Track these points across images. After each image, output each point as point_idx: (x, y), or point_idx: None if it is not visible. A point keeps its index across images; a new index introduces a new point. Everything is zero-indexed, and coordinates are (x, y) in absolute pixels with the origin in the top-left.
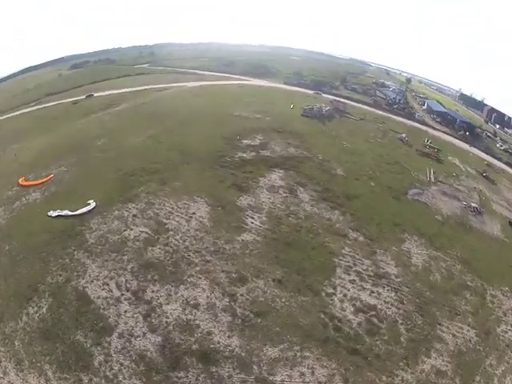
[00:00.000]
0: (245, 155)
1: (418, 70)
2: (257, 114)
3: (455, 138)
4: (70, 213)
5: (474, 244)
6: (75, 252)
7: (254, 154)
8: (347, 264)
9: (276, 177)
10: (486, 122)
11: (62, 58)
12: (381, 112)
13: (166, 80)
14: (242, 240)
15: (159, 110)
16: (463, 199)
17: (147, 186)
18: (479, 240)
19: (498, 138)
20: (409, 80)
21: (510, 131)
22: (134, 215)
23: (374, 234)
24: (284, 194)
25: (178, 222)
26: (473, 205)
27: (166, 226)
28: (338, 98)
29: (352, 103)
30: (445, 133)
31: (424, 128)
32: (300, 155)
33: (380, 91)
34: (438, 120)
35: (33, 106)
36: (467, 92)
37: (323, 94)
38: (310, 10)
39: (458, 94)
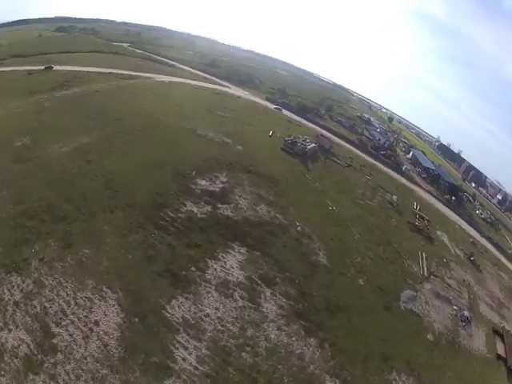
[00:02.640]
0: (195, 210)
1: (398, 109)
2: (226, 138)
3: (441, 201)
4: None
5: (460, 372)
6: None
7: (209, 209)
8: None
9: (234, 262)
10: (463, 180)
11: (55, 18)
12: (367, 157)
13: (137, 67)
14: None
15: (108, 107)
16: (454, 301)
17: (44, 244)
18: (466, 364)
19: (478, 204)
20: (390, 119)
21: (483, 191)
22: (15, 303)
23: (356, 378)
24: (240, 302)
25: (71, 336)
26: (464, 313)
27: (55, 341)
28: (324, 132)
29: (338, 140)
30: (431, 194)
31: (411, 186)
32: (273, 221)
33: (368, 130)
34: (424, 176)
35: None
36: (445, 141)
37: (310, 123)
38: (304, 27)
39: (436, 144)
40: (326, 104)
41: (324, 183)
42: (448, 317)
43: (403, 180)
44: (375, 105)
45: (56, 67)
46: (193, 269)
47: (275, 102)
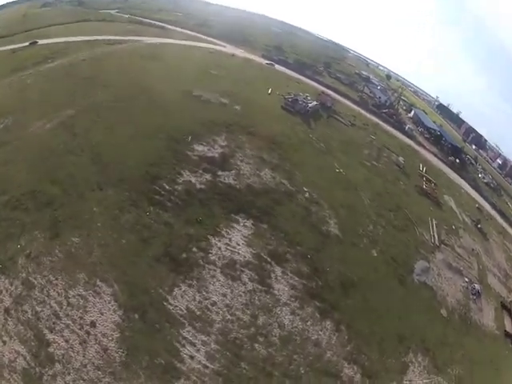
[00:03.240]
0: (194, 180)
1: (395, 66)
2: (223, 98)
3: (445, 163)
4: None
5: (472, 350)
6: None
7: (208, 178)
8: None
9: (239, 238)
10: (464, 142)
11: None
12: (370, 116)
13: (125, 31)
14: None
15: (95, 75)
16: (465, 273)
17: (30, 237)
18: (477, 342)
19: (480, 167)
20: (388, 77)
21: (484, 154)
22: (6, 310)
23: (374, 363)
24: (250, 285)
25: (68, 342)
26: (475, 286)
27: (51, 350)
28: (325, 90)
29: (338, 97)
30: (435, 155)
31: (416, 147)
32: (278, 188)
33: (368, 87)
34: (427, 136)
35: None
36: (444, 101)
37: (310, 81)
38: None
39: (436, 103)
40: (323, 61)
41: (329, 143)
42: (459, 290)
43: (407, 140)
44: (372, 62)
45: (41, 41)
46: (194, 249)
47: (272, 59)
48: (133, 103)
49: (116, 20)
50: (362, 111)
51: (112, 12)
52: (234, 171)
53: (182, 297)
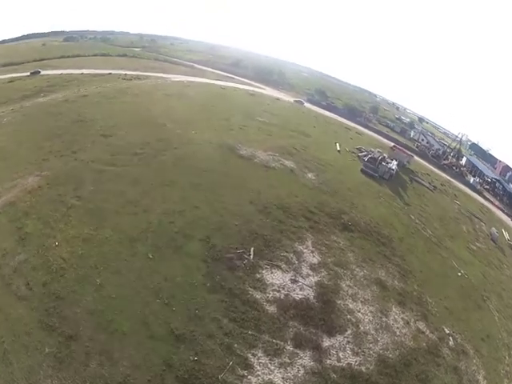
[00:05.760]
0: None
1: (419, 108)
2: (286, 160)
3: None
4: None
5: None
6: None
7: (307, 363)
8: None
9: None
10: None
11: (67, 31)
12: (436, 170)
13: (147, 67)
14: None
15: (93, 117)
16: None
17: None
18: None
19: None
20: (421, 120)
21: None
22: None
23: None
24: None
25: None
26: None
27: None
28: (388, 142)
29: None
30: (502, 211)
31: (485, 203)
32: (418, 343)
33: (424, 135)
34: (487, 187)
35: None
36: (472, 139)
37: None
38: (316, 29)
39: (468, 143)
40: (370, 106)
41: (432, 226)
42: None
43: (477, 196)
44: (398, 105)
45: (46, 71)
46: None
47: (320, 104)
48: (144, 165)
49: (139, 56)
50: (426, 164)
51: (137, 50)
52: (349, 332)
53: None
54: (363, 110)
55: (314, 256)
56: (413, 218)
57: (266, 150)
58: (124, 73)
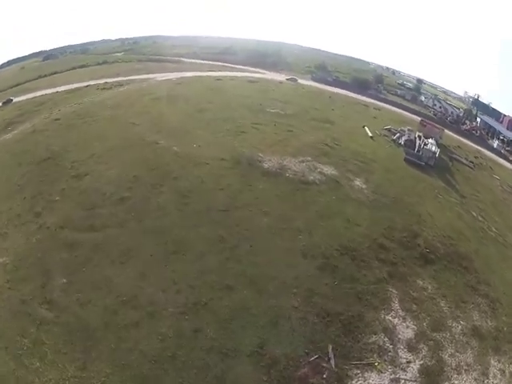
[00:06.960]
0: None
1: (414, 69)
2: (323, 164)
3: None
4: None
5: None
6: None
7: None
8: None
9: None
10: None
11: (46, 50)
12: (461, 138)
13: (129, 70)
14: None
15: (66, 146)
16: None
17: None
18: None
19: None
20: (420, 81)
21: None
22: None
23: None
24: None
25: None
26: None
27: None
28: (425, 119)
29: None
30: None
31: None
32: None
33: (439, 101)
34: (508, 149)
35: None
36: (472, 94)
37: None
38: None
39: (470, 99)
40: (374, 75)
41: (492, 219)
42: None
43: (505, 162)
44: (391, 69)
45: (19, 98)
46: None
47: (326, 81)
48: (130, 233)
49: (120, 61)
50: (450, 133)
51: (119, 55)
52: None
53: None
54: (369, 81)
55: (407, 326)
56: (474, 214)
57: (295, 155)
58: (103, 81)
